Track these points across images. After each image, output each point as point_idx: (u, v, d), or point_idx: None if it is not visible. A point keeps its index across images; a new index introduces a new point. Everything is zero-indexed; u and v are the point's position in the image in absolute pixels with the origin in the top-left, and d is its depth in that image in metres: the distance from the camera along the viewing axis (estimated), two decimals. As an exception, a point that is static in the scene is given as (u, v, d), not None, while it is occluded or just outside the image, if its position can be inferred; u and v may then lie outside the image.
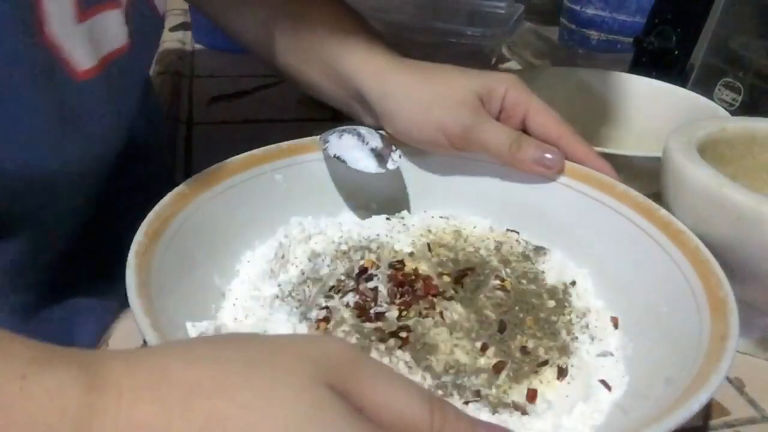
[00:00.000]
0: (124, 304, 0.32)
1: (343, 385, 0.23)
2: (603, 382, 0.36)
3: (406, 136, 0.47)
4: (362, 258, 0.42)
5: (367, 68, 0.48)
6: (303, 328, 0.37)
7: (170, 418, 0.22)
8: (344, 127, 0.48)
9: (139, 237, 0.35)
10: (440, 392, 0.34)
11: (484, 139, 0.45)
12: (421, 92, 0.46)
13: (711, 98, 0.62)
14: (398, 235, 0.45)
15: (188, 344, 0.25)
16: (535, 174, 0.45)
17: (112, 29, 0.40)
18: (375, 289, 0.39)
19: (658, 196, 0.43)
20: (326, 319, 0.37)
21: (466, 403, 0.33)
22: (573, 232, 0.45)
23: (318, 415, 0.22)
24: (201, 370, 0.23)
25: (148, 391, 0.22)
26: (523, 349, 0.37)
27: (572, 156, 0.45)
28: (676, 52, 0.71)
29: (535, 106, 0.46)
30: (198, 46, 0.90)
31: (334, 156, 0.46)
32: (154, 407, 0.22)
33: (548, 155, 0.45)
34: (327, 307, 0.38)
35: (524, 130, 0.46)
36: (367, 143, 0.46)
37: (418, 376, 0.34)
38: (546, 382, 0.35)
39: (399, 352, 0.35)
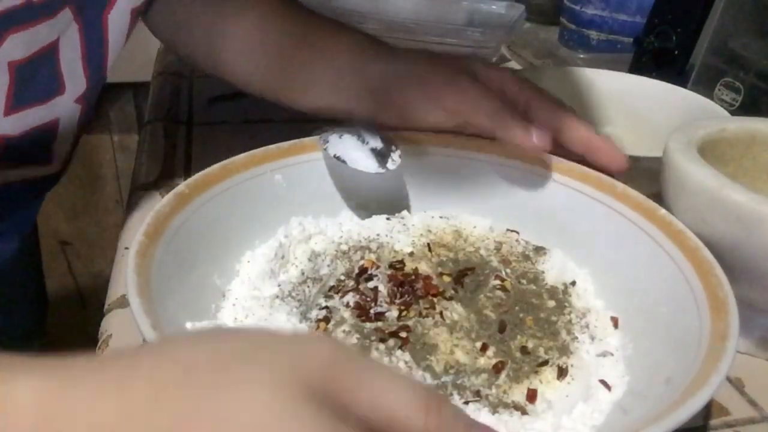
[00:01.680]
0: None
1: (324, 387, 0.21)
2: (603, 382, 0.36)
3: (401, 113, 0.47)
4: (362, 258, 0.42)
5: (359, 51, 0.49)
6: (303, 329, 0.37)
7: (130, 412, 0.21)
8: (344, 127, 0.48)
9: (139, 237, 0.35)
10: (440, 392, 0.34)
11: (479, 109, 0.45)
12: (417, 67, 0.47)
13: (711, 98, 0.62)
14: (398, 235, 0.45)
15: (164, 342, 0.24)
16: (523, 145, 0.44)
17: None
18: (375, 289, 0.39)
19: (658, 196, 0.43)
20: (326, 319, 0.37)
21: (466, 403, 0.33)
22: (573, 232, 0.45)
23: (287, 418, 0.21)
24: (169, 368, 0.22)
25: (112, 385, 0.21)
26: (523, 349, 0.37)
27: (575, 135, 0.45)
28: (676, 52, 0.71)
29: (534, 89, 0.46)
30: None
31: (334, 156, 0.46)
32: (115, 402, 0.21)
33: (544, 134, 0.44)
34: (327, 307, 0.38)
35: None
36: (367, 143, 0.46)
37: (418, 376, 0.34)
38: (546, 382, 0.35)
39: (399, 352, 0.35)
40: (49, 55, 0.44)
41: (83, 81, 0.47)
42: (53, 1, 0.42)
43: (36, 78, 0.44)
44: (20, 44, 0.41)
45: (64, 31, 0.44)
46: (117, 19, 0.47)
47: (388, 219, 0.47)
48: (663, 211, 0.40)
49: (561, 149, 0.46)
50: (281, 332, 0.24)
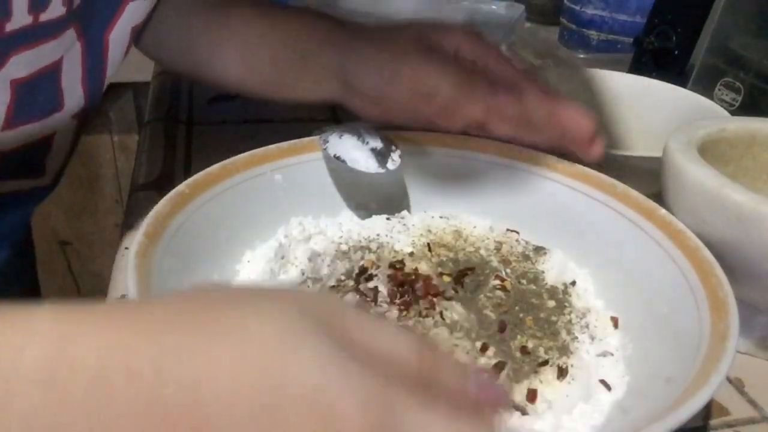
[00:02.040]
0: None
1: (328, 320, 0.22)
2: (603, 382, 0.36)
3: (372, 95, 0.46)
4: (362, 258, 0.42)
5: (329, 43, 0.48)
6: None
7: (147, 332, 0.21)
8: (344, 127, 0.48)
9: (139, 237, 0.35)
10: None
11: (436, 73, 0.44)
12: (381, 56, 0.46)
13: (711, 98, 0.62)
14: (398, 235, 0.45)
15: (169, 294, 0.25)
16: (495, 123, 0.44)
17: None
18: (375, 289, 0.39)
19: (658, 196, 0.43)
20: (326, 319, 0.37)
21: (466, 403, 0.33)
22: (573, 232, 0.45)
23: (298, 328, 0.21)
24: (186, 301, 0.23)
25: (128, 314, 0.22)
26: (523, 349, 0.37)
27: (536, 103, 0.44)
28: (676, 52, 0.71)
29: (494, 53, 0.45)
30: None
31: (334, 156, 0.46)
32: (131, 326, 0.21)
33: (502, 96, 0.43)
34: (327, 307, 0.38)
35: None
36: (367, 143, 0.46)
37: (418, 376, 0.34)
38: (546, 382, 0.35)
39: (399, 352, 0.35)
40: (51, 73, 0.44)
41: (82, 98, 0.47)
42: (59, 22, 0.42)
43: (37, 95, 0.44)
44: (24, 63, 0.41)
45: (67, 51, 0.44)
46: (117, 37, 0.47)
47: (388, 219, 0.47)
48: (663, 211, 0.40)
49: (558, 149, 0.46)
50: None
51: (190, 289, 0.24)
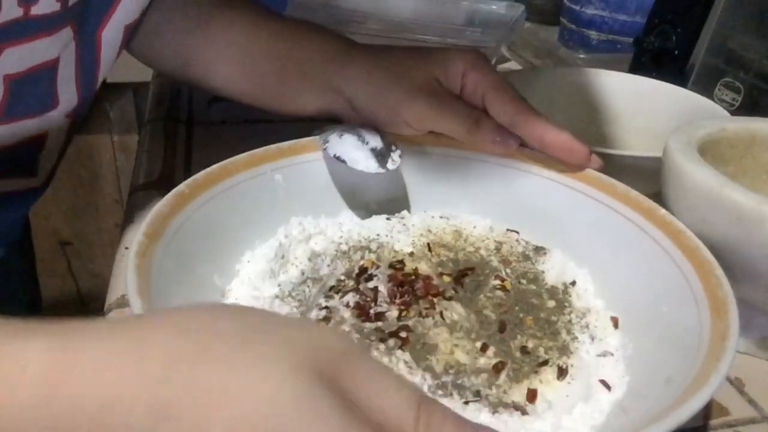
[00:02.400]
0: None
1: (332, 373, 0.23)
2: (603, 382, 0.36)
3: (371, 121, 0.47)
4: (362, 258, 0.42)
5: (330, 58, 0.49)
6: (303, 328, 0.37)
7: (145, 383, 0.21)
8: (344, 127, 0.48)
9: (139, 237, 0.35)
10: (440, 392, 0.34)
11: (441, 122, 0.45)
12: (378, 78, 0.47)
13: (711, 98, 0.62)
14: (398, 235, 0.45)
15: (179, 313, 0.24)
16: (493, 151, 0.46)
17: None
18: (375, 289, 0.39)
19: (658, 196, 0.43)
20: (326, 319, 0.37)
21: (466, 403, 0.33)
22: (573, 232, 0.45)
23: (303, 402, 0.21)
24: (185, 341, 0.22)
25: (125, 355, 0.22)
26: (523, 349, 0.37)
27: (530, 132, 0.45)
28: (676, 52, 0.71)
29: (492, 81, 0.46)
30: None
31: (334, 156, 0.46)
32: (129, 372, 0.21)
33: (510, 141, 0.45)
34: (327, 307, 0.38)
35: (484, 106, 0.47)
36: (367, 143, 0.46)
37: (418, 376, 0.34)
38: (546, 382, 0.35)
39: (399, 352, 0.35)
40: (47, 72, 0.44)
41: (75, 97, 0.48)
42: (53, 18, 0.42)
43: (31, 93, 0.44)
44: (17, 58, 0.41)
45: (64, 49, 0.44)
46: (110, 36, 0.47)
47: (388, 219, 0.47)
48: (663, 211, 0.41)
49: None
50: (291, 317, 0.24)
51: (193, 308, 0.24)
